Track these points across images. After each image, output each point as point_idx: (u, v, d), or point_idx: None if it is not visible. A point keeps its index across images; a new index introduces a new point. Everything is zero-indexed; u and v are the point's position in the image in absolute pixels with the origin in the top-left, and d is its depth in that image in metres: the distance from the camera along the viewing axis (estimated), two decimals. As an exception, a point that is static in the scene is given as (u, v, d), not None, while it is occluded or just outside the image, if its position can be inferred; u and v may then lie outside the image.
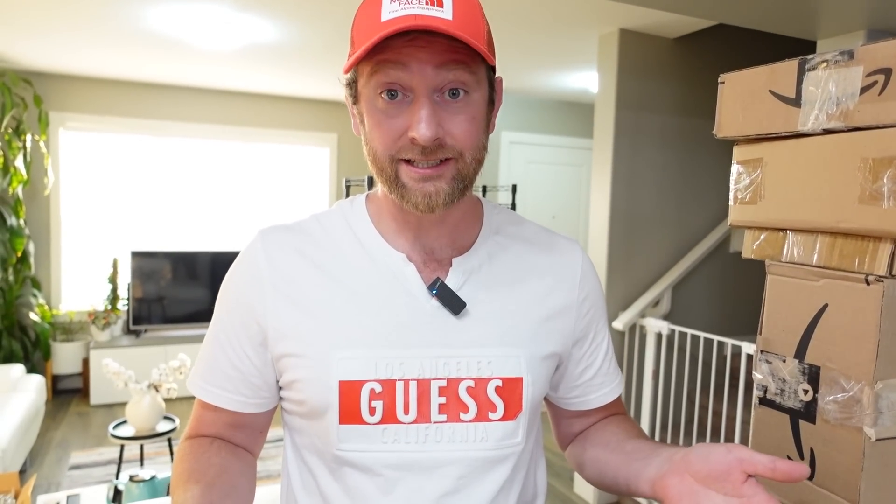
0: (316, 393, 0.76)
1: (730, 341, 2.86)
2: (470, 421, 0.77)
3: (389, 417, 0.75)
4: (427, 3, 0.67)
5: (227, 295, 0.82)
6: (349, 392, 0.75)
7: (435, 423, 0.76)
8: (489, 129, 0.77)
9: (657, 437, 3.23)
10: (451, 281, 0.79)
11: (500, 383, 0.78)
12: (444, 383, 0.77)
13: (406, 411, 0.76)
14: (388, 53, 0.68)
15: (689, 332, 3.09)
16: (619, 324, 3.24)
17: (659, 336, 3.21)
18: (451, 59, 0.68)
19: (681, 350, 3.32)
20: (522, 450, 0.81)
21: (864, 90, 0.71)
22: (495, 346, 0.79)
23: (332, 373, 0.75)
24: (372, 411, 0.75)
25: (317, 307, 0.77)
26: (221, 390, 0.81)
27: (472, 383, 0.77)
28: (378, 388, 0.75)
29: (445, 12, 0.67)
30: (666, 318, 3.35)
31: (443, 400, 0.77)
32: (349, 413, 0.75)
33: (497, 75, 0.78)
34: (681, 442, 3.16)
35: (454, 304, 0.78)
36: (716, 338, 2.91)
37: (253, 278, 0.79)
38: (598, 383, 0.90)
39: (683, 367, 3.24)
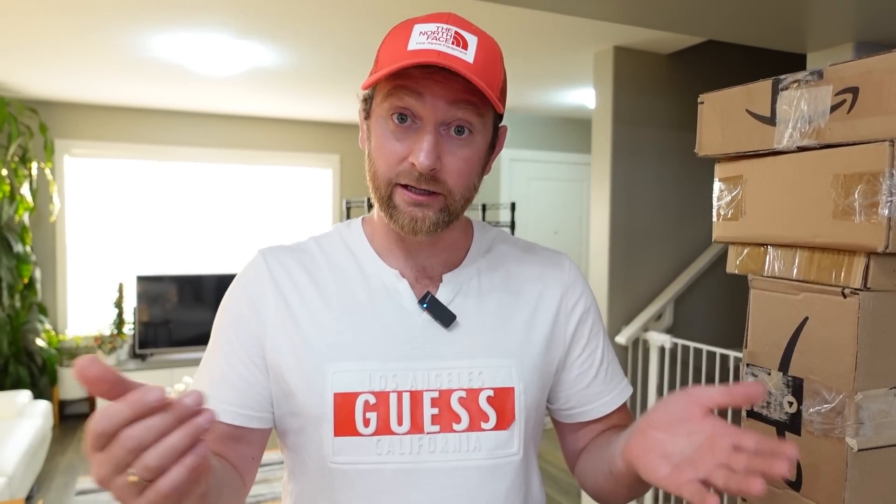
0: (311, 405, 0.78)
1: (733, 354, 2.86)
2: (463, 431, 0.79)
3: (384, 429, 0.77)
4: (453, 44, 0.71)
5: (231, 309, 0.83)
6: (344, 404, 0.77)
7: (428, 433, 0.78)
8: (485, 171, 0.81)
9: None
10: (442, 295, 0.82)
11: (491, 393, 0.80)
12: (436, 394, 0.79)
13: (400, 422, 0.78)
14: (407, 80, 0.72)
15: (693, 345, 3.09)
16: (621, 338, 3.25)
17: (662, 350, 3.20)
18: (464, 98, 0.72)
19: (684, 363, 3.32)
20: (520, 460, 0.82)
21: (833, 108, 0.74)
22: (486, 357, 0.81)
23: (327, 385, 0.77)
24: (366, 423, 0.77)
25: (312, 321, 0.80)
26: (227, 404, 0.80)
27: (463, 394, 0.79)
28: (372, 400, 0.77)
29: (468, 55, 0.71)
30: (669, 331, 3.35)
31: (435, 411, 0.79)
32: (344, 425, 0.77)
33: (502, 124, 0.83)
34: (687, 456, 3.15)
35: (444, 317, 0.81)
36: (719, 350, 2.91)
37: (257, 291, 0.82)
38: (595, 392, 0.90)
39: (687, 381, 3.24)
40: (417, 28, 0.73)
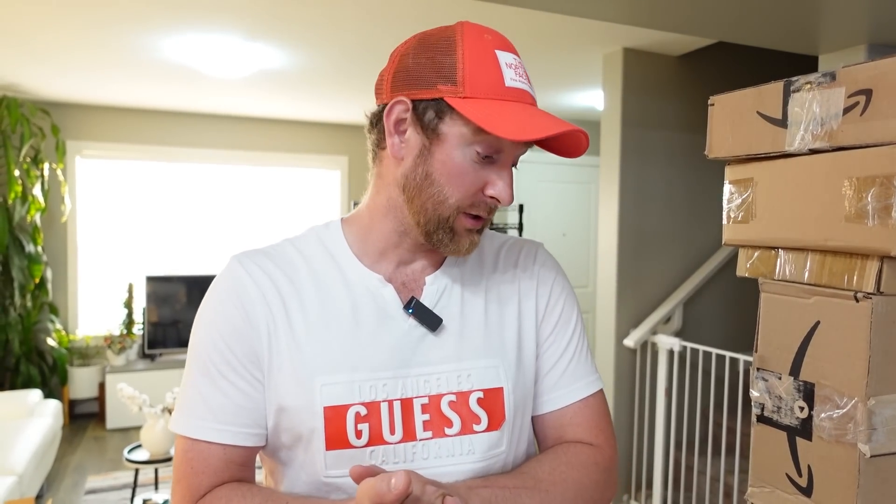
0: (301, 421, 0.76)
1: (742, 357, 2.84)
2: (455, 435, 0.78)
3: (376, 439, 0.76)
4: (524, 79, 0.77)
5: (220, 323, 0.78)
6: (335, 417, 0.75)
7: (421, 440, 0.77)
8: None
9: (672, 456, 3.20)
10: (426, 299, 0.82)
11: (481, 395, 0.80)
12: (426, 400, 0.78)
13: (392, 431, 0.77)
14: None
15: (702, 348, 3.07)
16: (630, 341, 3.23)
17: (671, 353, 3.19)
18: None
19: (693, 367, 3.30)
20: (507, 458, 0.81)
21: (846, 111, 0.73)
22: (474, 359, 0.81)
23: (317, 399, 0.75)
24: (358, 434, 0.76)
25: (298, 331, 0.77)
26: (240, 427, 0.77)
27: (453, 398, 0.79)
28: (363, 411, 0.76)
29: (532, 89, 0.78)
30: (678, 334, 3.33)
31: (426, 417, 0.78)
32: (335, 438, 0.75)
33: None
34: (695, 459, 3.13)
35: (430, 321, 0.80)
36: (728, 354, 2.89)
37: (246, 301, 0.78)
38: (548, 385, 0.86)
39: (696, 384, 3.22)
40: (501, 58, 0.75)
